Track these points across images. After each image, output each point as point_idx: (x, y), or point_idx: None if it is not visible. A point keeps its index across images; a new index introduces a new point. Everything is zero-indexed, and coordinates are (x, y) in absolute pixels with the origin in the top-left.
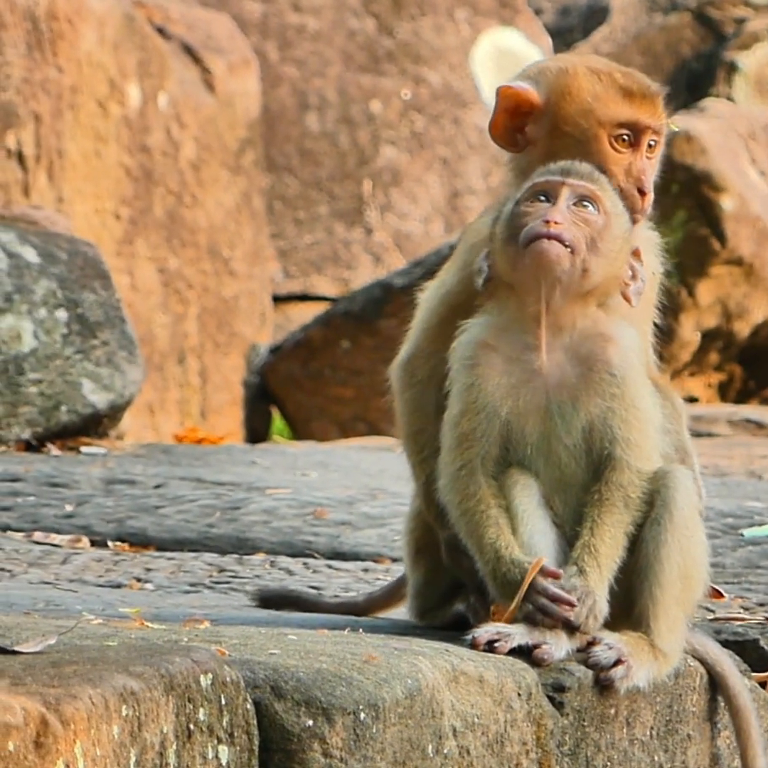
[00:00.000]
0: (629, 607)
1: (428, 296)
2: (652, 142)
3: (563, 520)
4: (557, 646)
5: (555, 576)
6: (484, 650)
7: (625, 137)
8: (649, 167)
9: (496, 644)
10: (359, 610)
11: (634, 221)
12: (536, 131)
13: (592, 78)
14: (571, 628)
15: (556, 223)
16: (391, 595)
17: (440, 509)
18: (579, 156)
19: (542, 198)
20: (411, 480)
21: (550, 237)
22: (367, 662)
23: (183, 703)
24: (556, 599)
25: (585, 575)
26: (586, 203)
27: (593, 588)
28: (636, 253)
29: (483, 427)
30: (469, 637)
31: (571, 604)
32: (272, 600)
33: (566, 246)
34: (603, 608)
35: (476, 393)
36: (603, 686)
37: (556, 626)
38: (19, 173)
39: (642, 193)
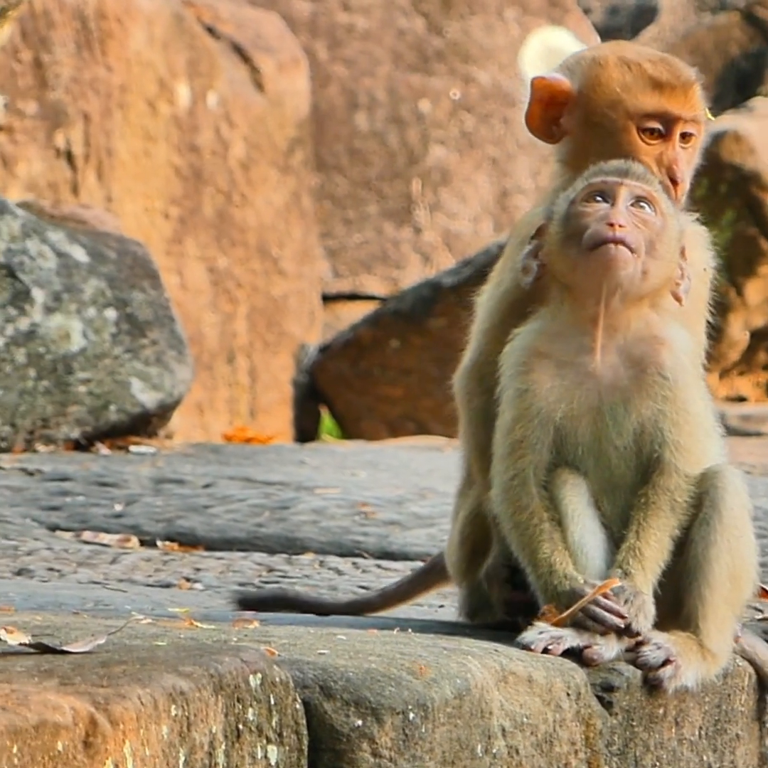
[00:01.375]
0: (678, 607)
1: (486, 298)
2: (687, 133)
3: (611, 521)
4: (607, 646)
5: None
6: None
7: (656, 128)
8: (682, 157)
9: (548, 647)
10: (373, 608)
11: None
12: (570, 122)
13: (622, 68)
14: (620, 629)
15: (620, 226)
16: (406, 588)
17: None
18: (610, 146)
19: (599, 198)
20: (477, 487)
21: (616, 241)
22: (417, 673)
23: (232, 703)
24: (608, 610)
25: (630, 578)
26: (643, 204)
27: (640, 588)
28: (681, 252)
29: (536, 433)
30: (522, 640)
31: (622, 616)
32: (252, 603)
33: (631, 250)
34: (651, 608)
35: (530, 398)
36: (651, 686)
37: (607, 632)
38: (69, 172)
39: (674, 182)
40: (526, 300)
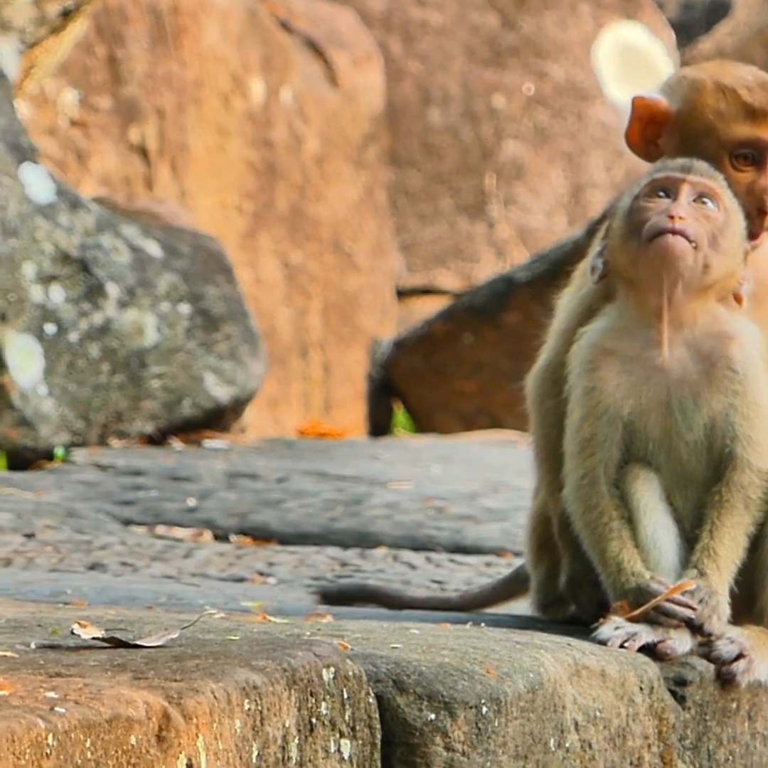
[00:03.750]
0: (751, 601)
1: (566, 300)
2: None
3: (683, 516)
4: (681, 641)
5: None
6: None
7: (748, 155)
8: None
9: (624, 644)
10: (452, 608)
11: (751, 237)
12: (667, 143)
13: (718, 95)
14: (693, 628)
15: (680, 218)
16: (487, 594)
17: (563, 521)
18: None
19: (662, 194)
20: (541, 489)
21: (674, 232)
22: (484, 674)
23: (305, 697)
24: (679, 604)
25: (705, 578)
26: (706, 200)
27: (715, 588)
28: (745, 255)
29: (605, 431)
30: (599, 636)
31: (693, 608)
32: (334, 596)
33: (690, 241)
34: (726, 609)
35: (597, 396)
36: (724, 680)
37: (680, 626)
38: (142, 167)
39: (763, 212)
40: (605, 304)
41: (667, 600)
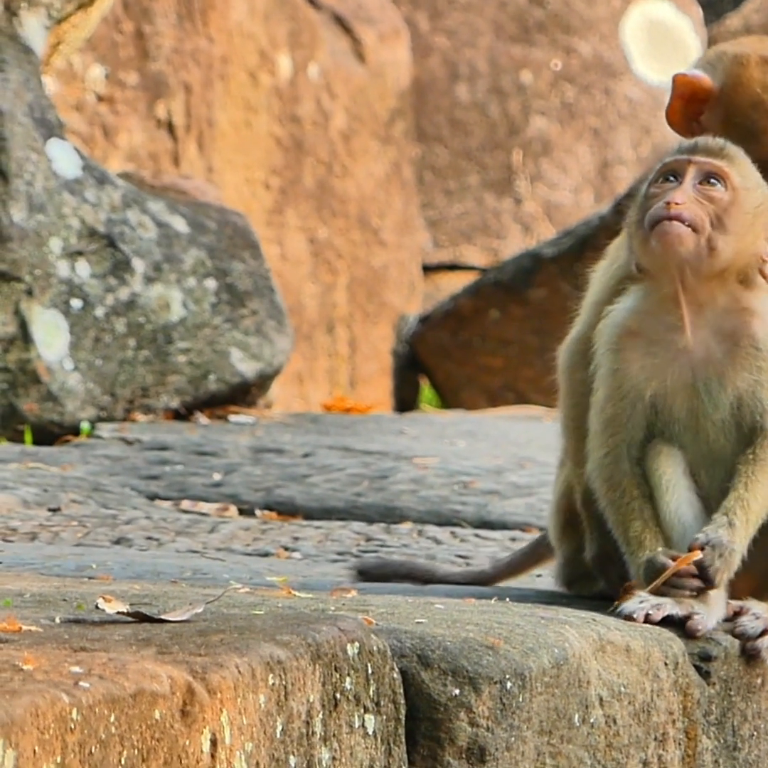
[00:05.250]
0: None
1: (599, 274)
2: None
3: (709, 495)
4: (708, 616)
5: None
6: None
7: None
8: None
9: (649, 614)
10: (486, 580)
11: None
12: (710, 120)
13: (764, 67)
14: (705, 580)
15: (676, 203)
16: (518, 561)
17: (588, 495)
18: (750, 146)
19: (671, 178)
20: (567, 461)
21: (671, 219)
22: (492, 646)
23: (329, 672)
24: (684, 575)
25: (733, 528)
26: (713, 181)
27: (735, 541)
28: None
29: (628, 411)
30: (624, 610)
31: (701, 579)
32: (372, 572)
33: (687, 225)
34: (736, 562)
35: (620, 377)
36: (749, 656)
37: (703, 597)
38: (169, 143)
39: None
40: (637, 278)
41: (676, 574)
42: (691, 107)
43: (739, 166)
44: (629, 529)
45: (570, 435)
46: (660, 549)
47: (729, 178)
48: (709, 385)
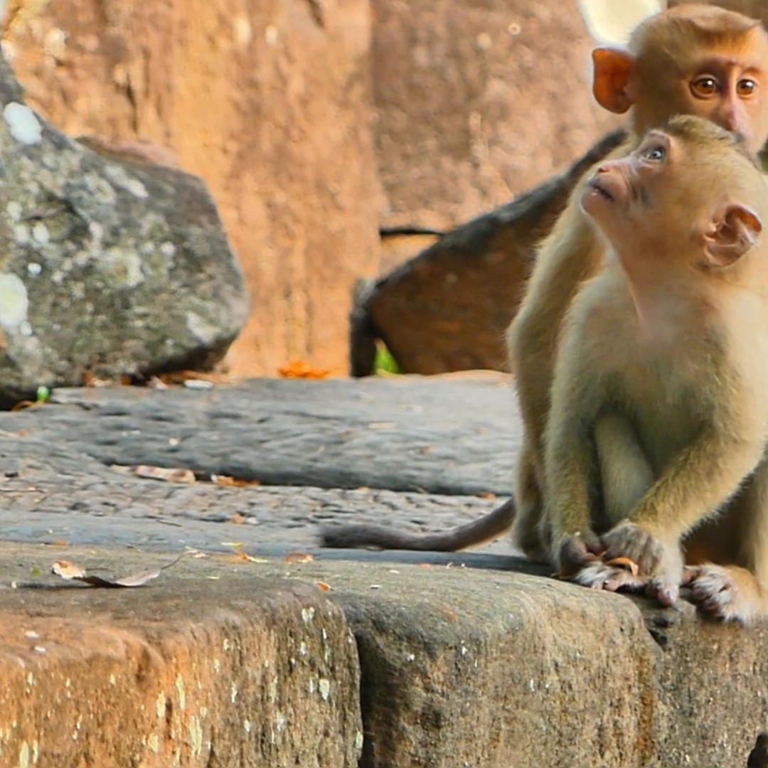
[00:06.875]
0: (734, 546)
1: (545, 252)
2: (747, 82)
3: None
4: (668, 583)
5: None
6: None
7: (709, 82)
8: (741, 109)
9: (606, 582)
10: (450, 546)
11: None
12: (633, 90)
13: (673, 28)
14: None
15: (601, 171)
16: (483, 528)
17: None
18: (667, 109)
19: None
20: (526, 440)
21: (591, 185)
22: (444, 614)
23: (284, 637)
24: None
25: (654, 514)
26: (656, 153)
27: (652, 529)
28: (740, 213)
29: (583, 386)
30: (582, 579)
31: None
32: (337, 539)
33: (601, 193)
34: (659, 547)
35: (579, 352)
36: (708, 611)
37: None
38: (128, 108)
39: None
40: (582, 257)
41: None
42: (616, 81)
43: (695, 144)
44: (557, 501)
45: (527, 418)
46: (577, 533)
47: (669, 152)
48: (659, 369)
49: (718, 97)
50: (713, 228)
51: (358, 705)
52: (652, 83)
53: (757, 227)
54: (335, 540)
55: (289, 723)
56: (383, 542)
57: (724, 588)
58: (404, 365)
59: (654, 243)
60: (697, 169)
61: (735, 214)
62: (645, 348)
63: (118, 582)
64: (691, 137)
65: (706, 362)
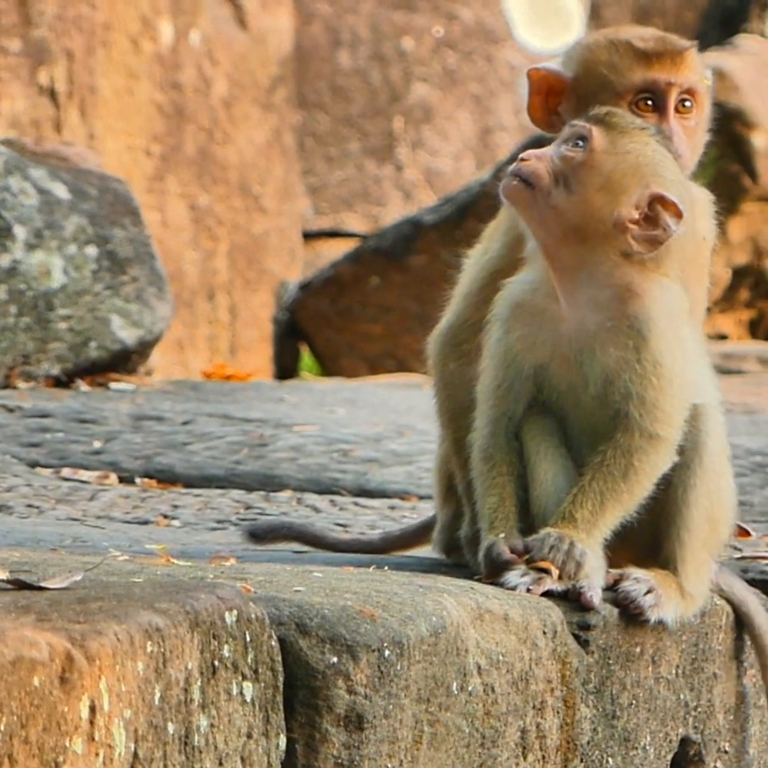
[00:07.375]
0: (656, 548)
1: (472, 262)
2: (684, 102)
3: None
4: (591, 586)
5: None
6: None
7: (648, 101)
8: (680, 129)
9: (530, 588)
10: (373, 550)
11: None
12: (567, 110)
13: (610, 49)
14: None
15: (522, 160)
16: (408, 536)
17: (468, 479)
18: None
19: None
20: (446, 445)
21: (512, 174)
22: (364, 614)
23: (208, 639)
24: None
25: (573, 521)
26: (578, 142)
27: (573, 534)
28: (661, 201)
29: (509, 382)
30: (506, 583)
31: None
32: (262, 535)
33: (521, 181)
34: (582, 552)
35: (504, 348)
36: (632, 615)
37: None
38: (51, 110)
39: (675, 157)
40: (510, 272)
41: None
42: (550, 101)
43: (616, 133)
44: (485, 504)
45: (447, 425)
46: (502, 535)
47: (591, 140)
48: (582, 358)
49: (656, 117)
50: (636, 215)
51: (282, 707)
52: (589, 103)
53: (678, 215)
54: (260, 537)
55: (212, 725)
56: (308, 540)
57: (648, 591)
58: (328, 368)
59: (576, 230)
60: (619, 157)
61: (657, 201)
62: (569, 337)
63: (42, 584)
64: (613, 127)
65: (627, 349)
